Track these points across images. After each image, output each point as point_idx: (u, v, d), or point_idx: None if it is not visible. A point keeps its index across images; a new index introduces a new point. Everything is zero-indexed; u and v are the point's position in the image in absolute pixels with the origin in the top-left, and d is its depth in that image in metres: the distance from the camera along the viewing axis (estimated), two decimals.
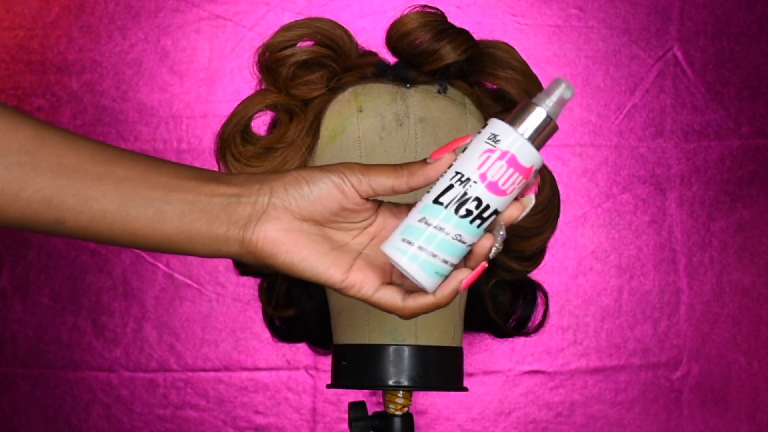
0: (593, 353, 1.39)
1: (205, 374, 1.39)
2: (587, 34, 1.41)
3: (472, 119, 1.02)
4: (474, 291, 1.07)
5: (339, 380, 1.02)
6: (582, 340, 1.39)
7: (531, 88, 1.03)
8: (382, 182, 0.71)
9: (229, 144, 1.02)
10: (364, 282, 0.73)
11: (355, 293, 0.73)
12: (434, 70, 1.01)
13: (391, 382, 0.98)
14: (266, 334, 1.22)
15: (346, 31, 1.02)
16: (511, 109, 1.04)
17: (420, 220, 0.71)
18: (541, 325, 1.14)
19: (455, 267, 0.72)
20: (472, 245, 0.72)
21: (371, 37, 1.07)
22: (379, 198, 0.74)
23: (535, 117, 0.72)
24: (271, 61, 1.01)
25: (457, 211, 0.71)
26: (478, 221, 0.71)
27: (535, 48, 1.40)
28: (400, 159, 0.98)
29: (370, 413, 1.04)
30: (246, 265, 1.10)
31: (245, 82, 1.07)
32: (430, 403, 1.39)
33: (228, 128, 1.02)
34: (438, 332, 1.00)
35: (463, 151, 0.72)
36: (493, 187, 0.71)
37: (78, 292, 1.39)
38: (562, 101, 0.73)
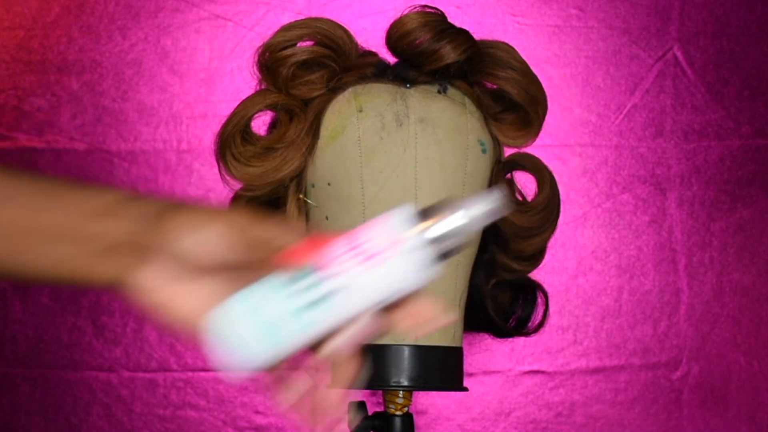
0: (593, 353, 1.39)
1: (205, 374, 1.39)
2: (587, 34, 1.41)
3: (472, 119, 1.02)
4: (474, 291, 1.07)
5: None
6: (582, 340, 1.39)
7: (531, 88, 1.02)
8: (268, 235, 0.64)
9: (229, 144, 1.02)
10: None
11: None
12: (434, 70, 1.01)
13: (391, 382, 0.98)
14: None
15: (346, 31, 1.02)
16: (510, 109, 1.04)
17: None
18: (541, 325, 1.14)
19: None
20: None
21: (371, 37, 1.07)
22: None
23: None
24: (271, 61, 1.01)
25: None
26: None
27: (535, 48, 1.40)
28: (400, 159, 0.98)
29: (370, 413, 1.04)
30: None
31: (245, 82, 1.07)
32: (430, 403, 1.39)
33: (228, 128, 1.02)
34: (438, 332, 1.00)
35: None
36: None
37: (78, 292, 1.39)
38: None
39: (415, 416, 1.05)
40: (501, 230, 1.05)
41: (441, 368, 1.00)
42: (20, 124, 1.40)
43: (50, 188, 0.64)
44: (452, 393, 1.37)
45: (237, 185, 1.03)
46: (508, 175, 1.08)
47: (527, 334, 1.14)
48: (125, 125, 1.40)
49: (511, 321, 1.13)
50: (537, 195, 1.07)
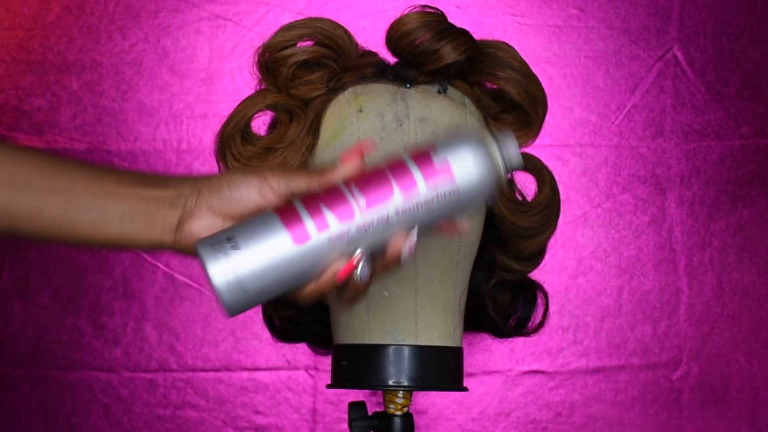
0: (593, 353, 1.39)
1: (205, 374, 1.39)
2: (587, 34, 1.41)
3: (472, 119, 1.02)
4: (474, 291, 1.07)
5: (339, 380, 1.02)
6: (582, 340, 1.39)
7: (531, 88, 1.02)
8: (300, 185, 0.77)
9: (229, 144, 1.02)
10: None
11: None
12: (434, 70, 1.01)
13: (391, 382, 0.98)
14: (266, 334, 1.22)
15: (346, 31, 1.02)
16: (510, 109, 1.04)
17: None
18: (541, 325, 1.14)
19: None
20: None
21: (371, 37, 1.07)
22: None
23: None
24: (271, 61, 1.01)
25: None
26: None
27: (535, 48, 1.40)
28: None
29: (370, 413, 1.04)
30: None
31: (245, 82, 1.07)
32: (430, 403, 1.39)
33: (228, 128, 1.02)
34: (438, 332, 1.00)
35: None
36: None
37: (78, 292, 1.39)
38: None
39: (415, 416, 1.05)
40: (501, 230, 1.05)
41: (441, 368, 1.00)
42: (20, 124, 1.40)
43: (91, 164, 0.78)
44: (452, 393, 1.37)
45: None
46: (509, 175, 1.08)
47: (527, 334, 1.14)
48: (125, 125, 1.40)
49: (511, 321, 1.13)
50: (537, 195, 1.07)
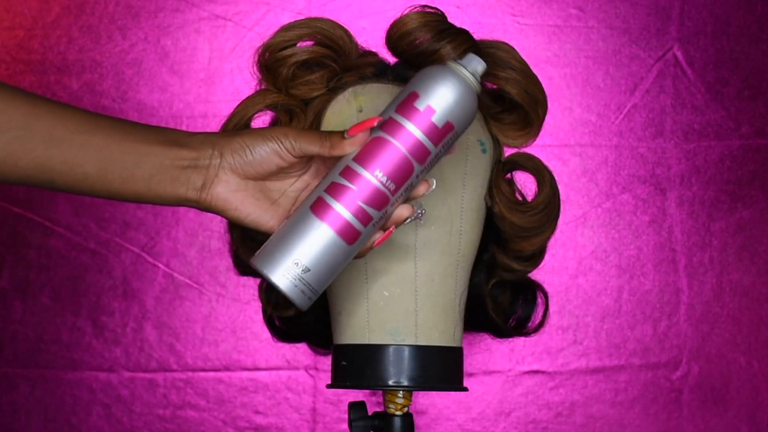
0: (593, 353, 1.39)
1: (205, 374, 1.39)
2: (587, 34, 1.41)
3: None
4: (474, 291, 1.07)
5: (339, 380, 1.02)
6: (582, 340, 1.39)
7: (531, 88, 1.02)
8: (310, 148, 0.84)
9: None
10: None
11: None
12: None
13: (391, 382, 0.98)
14: (266, 334, 1.22)
15: (346, 31, 1.02)
16: (510, 109, 1.04)
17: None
18: (541, 325, 1.14)
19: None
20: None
21: (371, 37, 1.07)
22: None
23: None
24: (271, 61, 1.01)
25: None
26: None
27: (535, 48, 1.40)
28: None
29: (370, 413, 1.04)
30: (246, 265, 1.10)
31: (245, 82, 1.07)
32: (430, 403, 1.39)
33: (228, 128, 1.02)
34: (438, 332, 1.00)
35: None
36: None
37: (78, 292, 1.39)
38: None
39: (415, 416, 1.05)
40: (501, 230, 1.05)
41: (441, 368, 1.00)
42: None
43: (123, 122, 0.83)
44: (452, 393, 1.37)
45: None
46: (508, 175, 1.08)
47: (527, 334, 1.14)
48: None
49: (511, 321, 1.13)
50: (537, 195, 1.07)
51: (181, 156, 0.83)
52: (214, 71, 1.40)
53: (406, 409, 1.03)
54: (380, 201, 0.83)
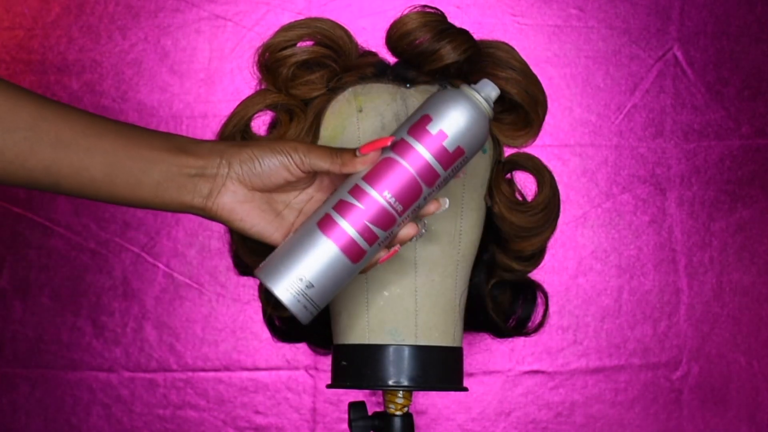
0: (593, 353, 1.39)
1: (205, 374, 1.39)
2: (587, 34, 1.41)
3: None
4: (474, 291, 1.07)
5: (339, 380, 1.02)
6: (582, 340, 1.39)
7: (531, 88, 1.02)
8: (320, 164, 0.84)
9: None
10: None
11: None
12: (434, 70, 1.01)
13: (391, 382, 0.98)
14: (266, 334, 1.22)
15: (346, 31, 1.02)
16: (510, 109, 1.04)
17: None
18: (541, 325, 1.14)
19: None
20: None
21: (371, 37, 1.07)
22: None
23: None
24: (271, 61, 1.01)
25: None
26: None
27: (535, 48, 1.40)
28: None
29: (370, 413, 1.04)
30: (246, 266, 1.10)
31: (245, 82, 1.07)
32: (430, 403, 1.39)
33: (228, 128, 1.02)
34: (438, 332, 1.00)
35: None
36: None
37: (78, 292, 1.39)
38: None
39: (415, 416, 1.05)
40: (501, 230, 1.05)
41: (441, 368, 1.00)
42: None
43: (131, 127, 0.83)
44: (452, 393, 1.37)
45: None
46: (508, 175, 1.08)
47: (527, 334, 1.14)
48: None
49: (511, 321, 1.13)
50: (537, 195, 1.07)
51: (189, 164, 0.83)
52: (214, 71, 1.40)
53: (406, 409, 1.03)
54: (387, 221, 0.83)
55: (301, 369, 1.39)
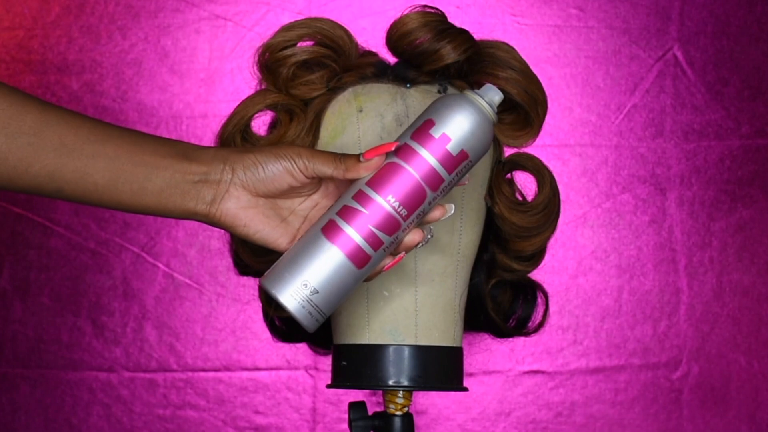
0: (593, 353, 1.39)
1: (205, 374, 1.39)
2: (587, 34, 1.41)
3: None
4: (474, 291, 1.07)
5: (339, 380, 1.02)
6: (582, 340, 1.39)
7: (531, 88, 1.02)
8: (324, 170, 0.83)
9: (229, 144, 1.02)
10: None
11: None
12: (434, 70, 1.01)
13: (391, 382, 0.98)
14: (266, 334, 1.22)
15: (346, 31, 1.02)
16: (511, 109, 1.04)
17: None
18: (541, 325, 1.14)
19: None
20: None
21: (371, 37, 1.07)
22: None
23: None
24: (271, 61, 1.01)
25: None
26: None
27: (535, 48, 1.40)
28: None
29: (370, 413, 1.04)
30: (246, 265, 1.10)
31: (245, 82, 1.07)
32: (430, 403, 1.39)
33: (228, 128, 1.02)
34: (438, 332, 1.00)
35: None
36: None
37: (78, 292, 1.39)
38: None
39: (415, 416, 1.05)
40: (501, 230, 1.05)
41: (441, 368, 1.00)
42: None
43: (134, 133, 0.83)
44: (452, 393, 1.37)
45: None
46: (508, 175, 1.08)
47: (527, 334, 1.14)
48: (125, 125, 1.40)
49: (511, 321, 1.13)
50: (537, 195, 1.07)
51: (192, 170, 0.83)
52: (214, 71, 1.40)
53: (406, 409, 1.03)
54: (392, 226, 0.83)
55: (301, 369, 1.39)
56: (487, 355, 1.39)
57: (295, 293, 0.82)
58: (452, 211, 0.86)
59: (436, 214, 0.85)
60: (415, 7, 1.01)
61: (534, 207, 1.06)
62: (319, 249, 0.83)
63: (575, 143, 1.40)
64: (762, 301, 1.40)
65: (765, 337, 1.40)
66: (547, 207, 1.06)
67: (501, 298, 1.12)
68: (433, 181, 0.83)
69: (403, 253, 0.85)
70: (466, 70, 1.03)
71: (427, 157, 0.83)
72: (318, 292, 0.82)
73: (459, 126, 0.83)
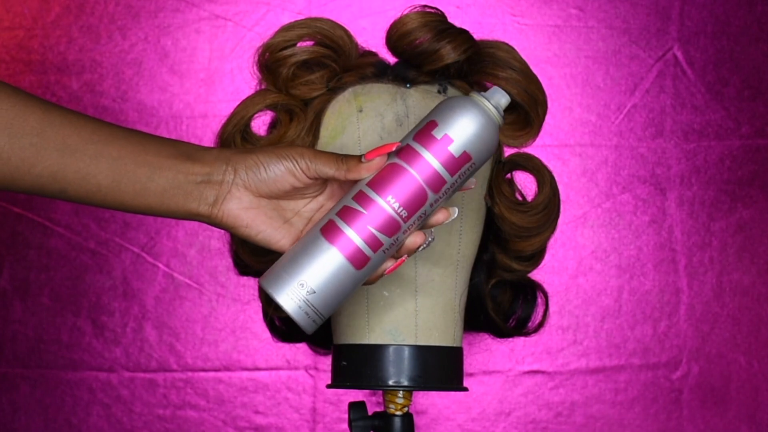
0: (593, 353, 1.39)
1: (205, 374, 1.39)
2: (587, 34, 1.41)
3: None
4: (474, 291, 1.07)
5: (339, 380, 1.02)
6: (582, 340, 1.39)
7: (531, 88, 1.02)
8: (326, 170, 0.83)
9: (229, 144, 1.02)
10: None
11: None
12: (434, 70, 1.01)
13: (391, 382, 0.98)
14: (266, 334, 1.22)
15: (346, 31, 1.02)
16: (511, 109, 1.04)
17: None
18: (541, 325, 1.14)
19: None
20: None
21: (371, 37, 1.07)
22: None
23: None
24: (271, 61, 1.01)
25: None
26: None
27: (535, 48, 1.40)
28: None
29: (370, 413, 1.04)
30: (246, 265, 1.10)
31: (245, 82, 1.07)
32: (430, 403, 1.39)
33: (228, 128, 1.02)
34: (438, 332, 1.00)
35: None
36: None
37: (78, 292, 1.39)
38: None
39: (415, 416, 1.05)
40: (501, 230, 1.05)
41: (441, 368, 1.00)
42: None
43: (137, 133, 0.83)
44: (452, 393, 1.37)
45: None
46: (508, 175, 1.08)
47: (527, 334, 1.15)
48: (125, 125, 1.40)
49: (511, 321, 1.13)
50: (537, 195, 1.07)
51: (195, 171, 0.83)
52: (214, 71, 1.40)
53: (406, 409, 1.03)
54: (391, 227, 0.82)
55: (301, 369, 1.39)
56: (487, 355, 1.39)
57: (292, 293, 0.81)
58: (456, 215, 0.85)
59: (439, 217, 0.85)
60: (415, 7, 1.01)
61: (534, 207, 1.06)
62: (318, 249, 0.82)
63: (575, 143, 1.40)
64: (762, 301, 1.40)
65: (765, 337, 1.40)
66: (547, 207, 1.06)
67: (501, 298, 1.12)
68: (435, 182, 0.82)
69: (405, 256, 0.85)
70: (466, 70, 1.03)
71: (429, 158, 0.82)
72: (315, 292, 0.81)
73: (462, 127, 0.82)
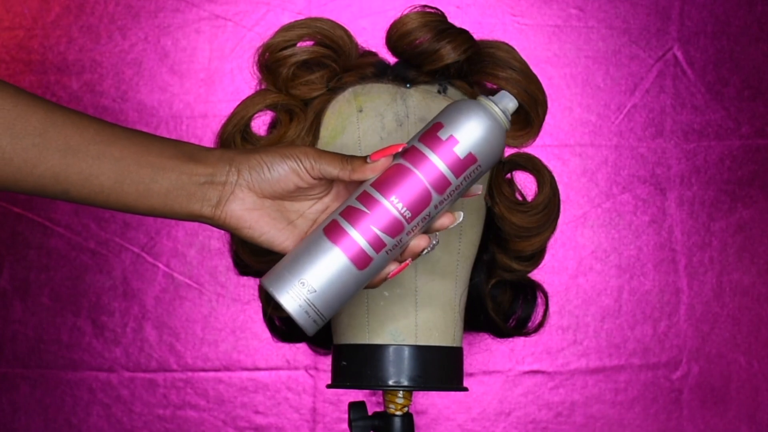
0: (593, 353, 1.39)
1: (205, 374, 1.39)
2: (587, 34, 1.41)
3: None
4: (474, 291, 1.07)
5: (339, 380, 1.02)
6: (582, 340, 1.39)
7: (531, 88, 1.03)
8: (330, 170, 0.82)
9: (229, 144, 1.02)
10: None
11: None
12: (434, 70, 1.01)
13: (391, 382, 0.98)
14: (266, 334, 1.22)
15: (346, 31, 1.02)
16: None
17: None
18: (541, 325, 1.14)
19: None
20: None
21: (371, 37, 1.07)
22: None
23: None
24: (271, 61, 1.01)
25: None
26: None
27: (535, 48, 1.40)
28: None
29: (370, 413, 1.04)
30: (246, 266, 1.10)
31: (245, 82, 1.07)
32: (430, 403, 1.39)
33: (228, 128, 1.02)
34: (438, 332, 1.00)
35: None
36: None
37: (78, 292, 1.39)
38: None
39: (415, 416, 1.05)
40: (501, 230, 1.05)
41: (441, 368, 1.00)
42: None
43: (139, 134, 0.83)
44: (452, 393, 1.37)
45: None
46: (508, 175, 1.08)
47: (527, 334, 1.15)
48: (125, 125, 1.40)
49: (511, 321, 1.13)
50: (537, 195, 1.07)
51: (198, 172, 0.82)
52: (214, 71, 1.40)
53: (406, 409, 1.03)
54: (395, 228, 0.81)
55: (301, 369, 1.39)
56: (487, 355, 1.39)
57: (292, 292, 0.81)
58: (461, 219, 0.85)
59: (444, 221, 0.84)
60: (415, 7, 1.01)
61: (534, 207, 1.06)
62: (320, 249, 0.82)
63: (575, 143, 1.40)
64: (762, 301, 1.40)
65: (765, 337, 1.40)
66: (547, 207, 1.06)
67: (501, 298, 1.12)
68: (440, 184, 0.82)
69: (409, 259, 0.84)
70: (466, 70, 1.03)
71: (434, 159, 0.81)
72: (316, 291, 0.81)
73: (467, 129, 0.81)
